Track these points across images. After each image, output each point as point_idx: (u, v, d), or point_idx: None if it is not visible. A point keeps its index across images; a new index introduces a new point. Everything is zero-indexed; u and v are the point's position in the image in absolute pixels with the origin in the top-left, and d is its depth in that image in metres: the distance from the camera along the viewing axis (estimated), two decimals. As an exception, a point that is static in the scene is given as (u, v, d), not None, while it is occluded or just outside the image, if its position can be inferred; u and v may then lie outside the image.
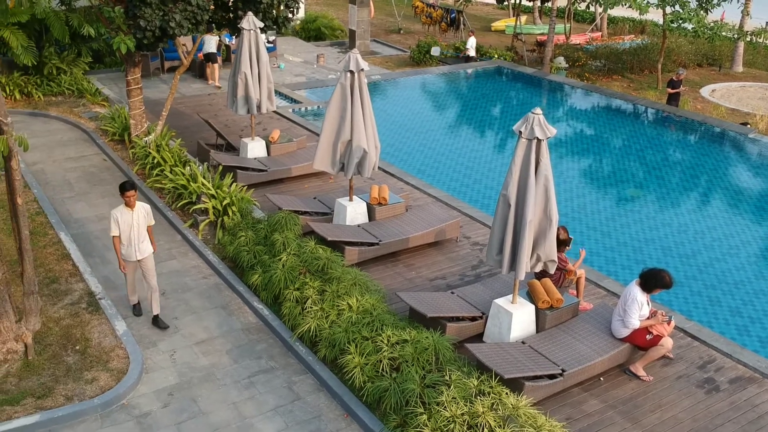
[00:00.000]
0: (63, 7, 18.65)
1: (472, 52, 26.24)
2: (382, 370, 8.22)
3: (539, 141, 8.15)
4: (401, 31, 32.20)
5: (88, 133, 17.06)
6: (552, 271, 8.91)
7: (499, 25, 34.60)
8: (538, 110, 8.10)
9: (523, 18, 32.09)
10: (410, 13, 34.13)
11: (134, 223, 9.34)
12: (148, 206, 9.62)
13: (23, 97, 19.06)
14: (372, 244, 11.14)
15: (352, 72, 10.96)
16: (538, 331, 9.10)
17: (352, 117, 11.07)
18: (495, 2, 31.90)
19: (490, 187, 15.61)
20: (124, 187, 9.24)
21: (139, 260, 9.57)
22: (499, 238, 8.61)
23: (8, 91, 18.78)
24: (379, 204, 11.97)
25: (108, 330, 9.50)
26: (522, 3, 29.76)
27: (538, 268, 8.82)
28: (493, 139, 19.15)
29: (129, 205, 9.30)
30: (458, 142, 18.51)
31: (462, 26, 30.01)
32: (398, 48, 28.84)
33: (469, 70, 25.89)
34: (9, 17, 16.84)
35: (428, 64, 26.41)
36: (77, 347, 9.13)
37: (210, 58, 21.40)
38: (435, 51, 27.23)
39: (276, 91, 19.76)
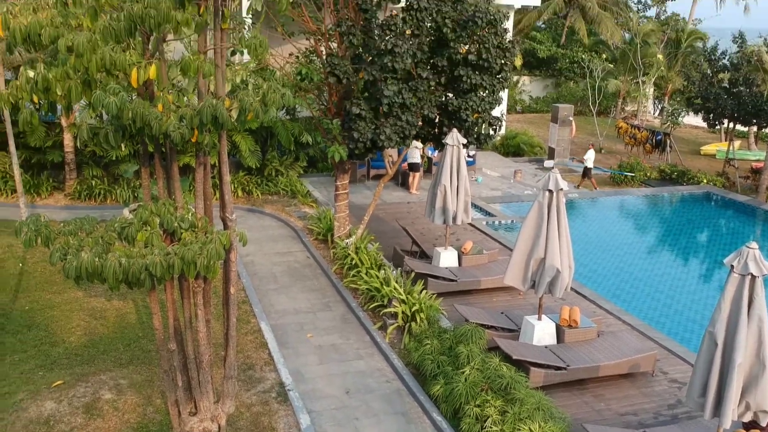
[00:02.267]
0: (288, 117, 20.69)
1: (589, 164, 25.05)
2: (562, 506, 7.72)
3: (754, 278, 7.56)
4: (602, 151, 31.76)
5: (296, 230, 18.39)
6: (764, 423, 8.00)
7: (709, 149, 33.04)
8: (754, 244, 7.56)
9: (737, 143, 30.45)
10: (613, 134, 33.69)
11: None
12: None
13: (244, 195, 21.07)
14: (559, 368, 10.72)
15: (550, 191, 10.97)
16: (743, 489, 8.13)
17: (547, 235, 10.99)
18: (706, 125, 30.65)
19: (692, 320, 14.54)
20: None
21: None
22: (703, 378, 7.94)
23: (233, 189, 20.88)
24: (570, 326, 11.58)
25: (293, 422, 9.86)
26: (736, 127, 28.30)
27: (747, 418, 7.97)
28: (698, 268, 17.96)
29: None
30: (658, 268, 17.57)
31: (669, 149, 29.05)
32: (598, 167, 28.41)
33: (674, 194, 24.79)
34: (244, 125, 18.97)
35: (629, 184, 25.69)
36: (264, 435, 9.55)
37: (413, 167, 22.45)
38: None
39: (472, 204, 20.17)
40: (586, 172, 25.00)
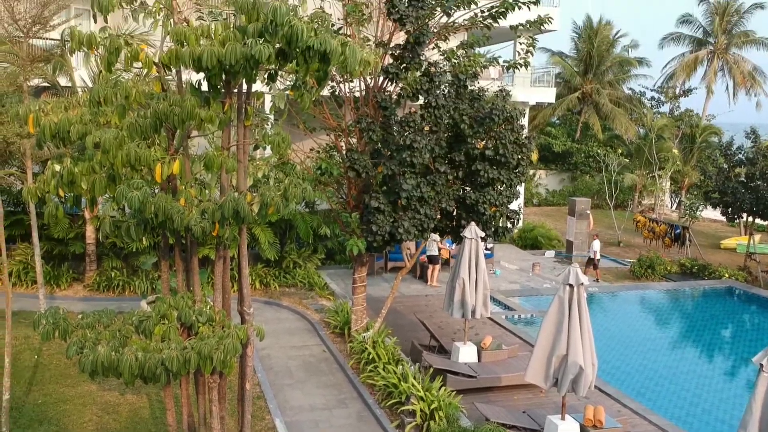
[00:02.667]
0: (307, 209, 20.92)
1: (596, 255, 24.94)
2: None
3: (785, 378, 7.32)
4: (621, 244, 31.65)
5: (312, 323, 18.23)
6: None
7: (729, 243, 32.81)
8: (783, 343, 7.36)
9: (757, 237, 30.25)
10: (631, 227, 33.66)
11: None
12: None
13: (262, 287, 21.05)
14: (584, 471, 10.29)
15: (571, 285, 10.85)
16: None
17: (569, 331, 10.79)
18: (724, 219, 30.58)
19: (721, 420, 14.02)
20: None
21: None
22: (737, 484, 7.57)
23: (251, 281, 20.86)
24: (594, 427, 11.20)
25: None
26: (755, 221, 28.17)
27: None
28: (723, 366, 17.48)
29: None
30: (683, 365, 17.11)
31: (688, 242, 28.88)
32: (618, 261, 28.22)
33: (695, 288, 24.44)
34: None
35: (650, 278, 25.41)
36: None
37: (432, 260, 22.43)
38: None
39: (490, 297, 19.98)
40: (595, 263, 24.78)
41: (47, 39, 18.26)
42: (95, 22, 7.92)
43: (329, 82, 15.22)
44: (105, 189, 7.68)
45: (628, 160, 39.00)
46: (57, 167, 7.60)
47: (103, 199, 14.43)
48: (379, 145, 15.03)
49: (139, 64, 7.75)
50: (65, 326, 7.64)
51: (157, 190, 8.36)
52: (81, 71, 20.74)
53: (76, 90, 19.11)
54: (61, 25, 17.64)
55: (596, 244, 24.73)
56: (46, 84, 19.37)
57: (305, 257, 22.27)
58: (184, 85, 8.36)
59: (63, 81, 20.12)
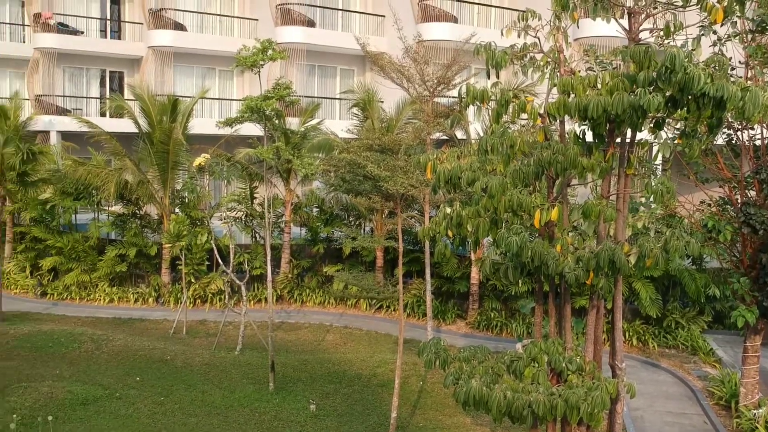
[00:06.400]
0: (694, 266, 19.47)
1: None
2: None
3: None
4: None
5: (693, 391, 16.73)
6: None
7: None
8: None
9: None
10: None
11: None
12: None
13: (639, 344, 20.04)
14: None
15: None
16: None
17: None
18: None
19: None
20: None
21: None
22: None
23: (626, 337, 20.03)
24: None
25: None
26: None
27: None
28: None
29: None
30: None
31: None
32: None
33: None
34: (644, 272, 18.34)
35: None
36: None
37: None
38: None
39: None
40: None
41: (449, 97, 20.26)
42: (488, 78, 8.59)
43: (724, 129, 14.06)
44: (487, 232, 8.22)
45: None
46: (447, 210, 8.39)
47: (487, 243, 15.21)
48: (784, 199, 13.36)
49: (525, 116, 8.18)
50: (445, 356, 8.30)
51: (535, 236, 8.66)
52: (475, 124, 22.51)
53: (470, 142, 20.80)
54: (462, 84, 19.48)
55: None
56: (444, 137, 21.44)
57: (689, 318, 20.59)
58: (567, 135, 8.56)
59: (459, 134, 22.06)
